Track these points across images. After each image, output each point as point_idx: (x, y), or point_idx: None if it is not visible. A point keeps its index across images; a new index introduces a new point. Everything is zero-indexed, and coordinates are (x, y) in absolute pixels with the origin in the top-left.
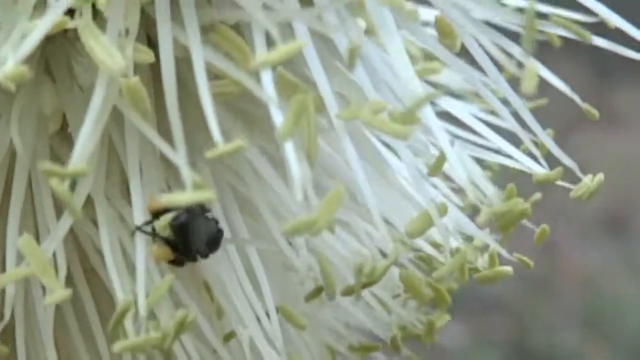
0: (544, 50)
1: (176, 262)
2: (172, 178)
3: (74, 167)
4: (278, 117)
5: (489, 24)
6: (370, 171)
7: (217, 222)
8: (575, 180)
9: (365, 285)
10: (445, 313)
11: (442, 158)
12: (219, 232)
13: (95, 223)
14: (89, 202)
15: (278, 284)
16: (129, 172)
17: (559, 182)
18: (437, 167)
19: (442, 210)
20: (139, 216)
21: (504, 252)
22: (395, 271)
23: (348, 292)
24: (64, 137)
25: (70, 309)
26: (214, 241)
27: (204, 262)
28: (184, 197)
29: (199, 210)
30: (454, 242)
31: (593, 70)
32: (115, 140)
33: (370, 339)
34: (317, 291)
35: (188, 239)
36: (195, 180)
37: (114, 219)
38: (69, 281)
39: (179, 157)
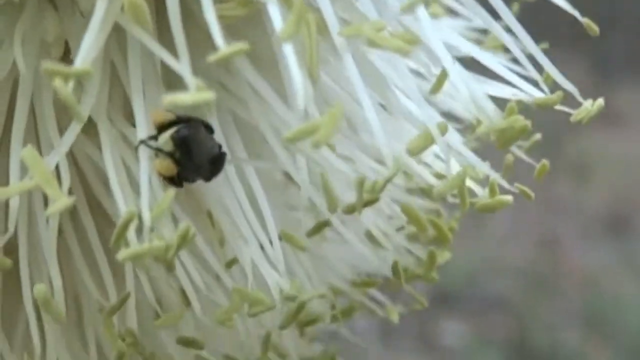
0: (545, 51)
1: (178, 180)
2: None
3: (78, 67)
4: (277, 18)
5: None
6: (372, 95)
7: (219, 145)
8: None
9: (367, 203)
10: (447, 250)
11: (443, 75)
12: (222, 154)
13: (97, 147)
14: (90, 124)
15: (280, 219)
16: (131, 91)
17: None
18: (439, 84)
19: (443, 128)
20: (143, 134)
21: (504, 183)
22: (397, 207)
23: (349, 209)
24: (67, 63)
25: (70, 227)
26: (217, 161)
27: (206, 187)
28: (187, 97)
29: (201, 126)
30: (455, 167)
31: (594, 70)
32: (117, 61)
33: (369, 276)
34: (319, 226)
35: (191, 152)
36: (198, 84)
37: (116, 139)
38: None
39: (182, 64)
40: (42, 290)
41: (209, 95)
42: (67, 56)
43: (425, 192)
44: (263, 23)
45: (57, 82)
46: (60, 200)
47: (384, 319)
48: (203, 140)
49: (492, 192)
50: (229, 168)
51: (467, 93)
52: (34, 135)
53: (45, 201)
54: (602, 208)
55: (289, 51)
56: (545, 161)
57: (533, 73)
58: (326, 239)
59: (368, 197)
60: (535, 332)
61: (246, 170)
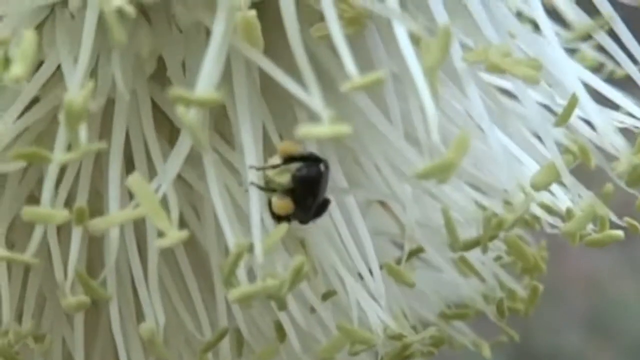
0: None
1: (286, 218)
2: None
3: (204, 94)
4: (406, 43)
5: None
6: (493, 120)
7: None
8: None
9: (490, 238)
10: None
11: (573, 102)
12: (327, 199)
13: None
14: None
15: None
16: (237, 116)
17: None
18: (567, 114)
19: (569, 162)
20: (251, 159)
21: (614, 217)
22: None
23: (470, 245)
24: (162, 79)
25: (162, 262)
26: (323, 205)
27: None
28: (323, 130)
29: (324, 168)
30: (567, 202)
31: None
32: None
33: (457, 307)
34: (414, 253)
35: (309, 194)
36: (330, 115)
37: (219, 165)
38: None
39: (313, 91)
40: (148, 330)
41: (346, 128)
42: (159, 73)
43: (526, 222)
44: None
45: (180, 110)
46: (171, 233)
47: None
48: (323, 184)
49: (602, 226)
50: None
51: (601, 125)
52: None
53: (137, 230)
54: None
55: (420, 80)
56: None
57: None
58: (415, 268)
59: (491, 234)
60: (538, 334)
61: (345, 199)
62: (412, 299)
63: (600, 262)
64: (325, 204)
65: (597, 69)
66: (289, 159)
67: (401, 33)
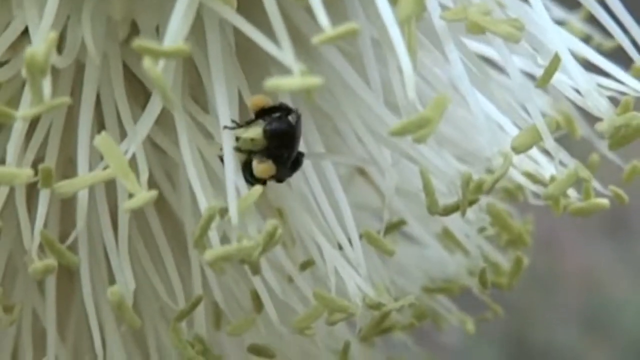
0: None
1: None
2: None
3: (172, 46)
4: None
5: None
6: (473, 80)
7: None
8: None
9: (471, 202)
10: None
11: (556, 61)
12: (301, 153)
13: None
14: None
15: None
16: (211, 76)
17: None
18: (548, 75)
19: (553, 125)
20: (226, 121)
21: (598, 185)
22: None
23: (450, 209)
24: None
25: (135, 227)
26: (296, 160)
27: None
28: (294, 82)
29: (298, 119)
30: (551, 169)
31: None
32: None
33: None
34: (394, 226)
35: (283, 146)
36: (302, 69)
37: (192, 129)
38: None
39: (285, 50)
40: (117, 293)
41: (316, 80)
42: (132, 39)
43: (509, 192)
44: (344, 6)
45: (147, 62)
46: (140, 195)
47: None
48: (296, 135)
49: (587, 195)
50: (305, 163)
51: (584, 85)
52: (95, 124)
53: (109, 195)
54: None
55: (397, 37)
56: (637, 163)
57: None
58: (397, 242)
59: (471, 197)
60: (533, 331)
61: (323, 166)
62: (394, 272)
63: (596, 258)
64: (299, 158)
65: (585, 40)
66: (261, 113)
67: None
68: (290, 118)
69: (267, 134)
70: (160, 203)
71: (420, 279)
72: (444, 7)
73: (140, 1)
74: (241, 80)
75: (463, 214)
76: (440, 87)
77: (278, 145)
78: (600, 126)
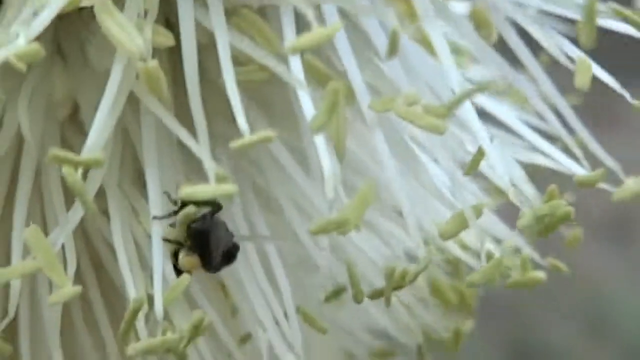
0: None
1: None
2: (191, 171)
3: (88, 155)
4: (308, 107)
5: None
6: (401, 169)
7: (232, 235)
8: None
9: (394, 289)
10: (469, 318)
11: (480, 155)
12: (235, 246)
13: (106, 215)
14: (100, 193)
15: (296, 285)
16: (145, 163)
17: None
18: (474, 165)
19: (478, 212)
20: (156, 209)
21: (536, 257)
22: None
23: (376, 295)
24: (75, 123)
25: (78, 308)
26: (230, 254)
27: None
28: (207, 190)
29: (218, 218)
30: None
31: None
32: (131, 129)
33: (388, 344)
34: (337, 292)
35: (206, 245)
36: (218, 173)
37: (127, 212)
38: (78, 277)
39: (202, 147)
40: None
41: (230, 187)
42: (75, 116)
43: (450, 262)
44: (283, 83)
45: (66, 170)
46: (65, 288)
47: None
48: (219, 235)
49: (524, 267)
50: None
51: (507, 175)
52: (39, 209)
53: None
54: (602, 210)
55: (320, 143)
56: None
57: (573, 146)
58: (344, 306)
59: (396, 285)
60: (531, 332)
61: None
62: (339, 336)
63: (595, 260)
64: (232, 251)
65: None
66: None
67: (303, 96)
68: (214, 218)
69: (190, 232)
70: (106, 281)
71: (366, 341)
72: (375, 93)
73: (81, 80)
74: (177, 166)
75: (387, 303)
76: (367, 173)
77: (201, 244)
78: (520, 223)
